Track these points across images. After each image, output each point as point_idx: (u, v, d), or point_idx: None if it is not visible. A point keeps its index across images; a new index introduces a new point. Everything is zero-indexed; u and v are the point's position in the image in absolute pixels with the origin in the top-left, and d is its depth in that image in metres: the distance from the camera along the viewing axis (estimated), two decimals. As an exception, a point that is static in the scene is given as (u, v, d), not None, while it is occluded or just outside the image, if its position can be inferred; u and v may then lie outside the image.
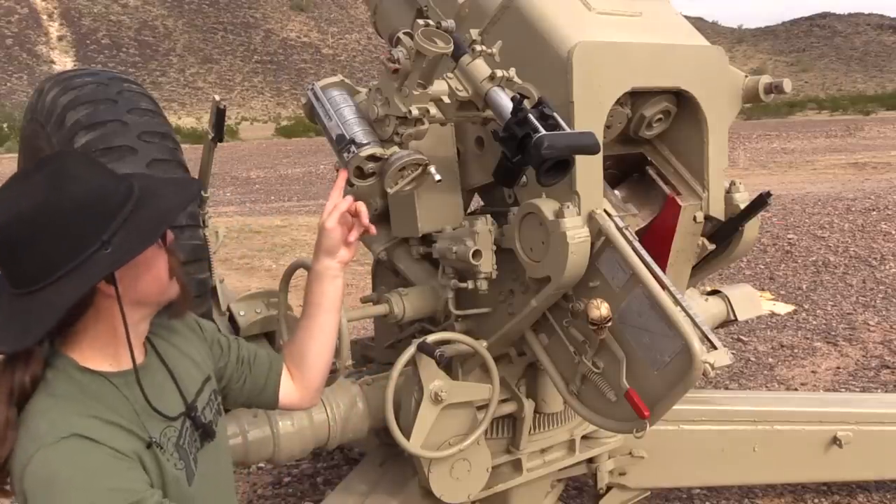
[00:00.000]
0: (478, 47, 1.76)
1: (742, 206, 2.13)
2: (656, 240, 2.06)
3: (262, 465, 3.41)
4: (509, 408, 2.29)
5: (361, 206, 1.57)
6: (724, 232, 2.15)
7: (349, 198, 1.57)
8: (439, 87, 1.76)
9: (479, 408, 2.14)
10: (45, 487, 1.18)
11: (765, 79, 2.21)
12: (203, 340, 1.60)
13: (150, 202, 1.32)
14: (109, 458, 1.23)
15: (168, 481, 1.36)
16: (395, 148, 1.73)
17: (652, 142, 2.19)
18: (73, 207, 1.23)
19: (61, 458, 1.20)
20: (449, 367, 2.16)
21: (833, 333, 5.39)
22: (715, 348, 1.69)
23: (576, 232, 1.76)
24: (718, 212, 2.13)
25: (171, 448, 1.39)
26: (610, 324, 1.72)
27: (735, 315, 2.81)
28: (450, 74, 1.78)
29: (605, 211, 1.84)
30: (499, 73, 1.75)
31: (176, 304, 1.43)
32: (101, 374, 1.34)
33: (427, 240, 2.21)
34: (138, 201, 1.31)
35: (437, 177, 1.74)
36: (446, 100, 1.78)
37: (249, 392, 1.67)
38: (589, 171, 1.82)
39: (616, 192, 2.14)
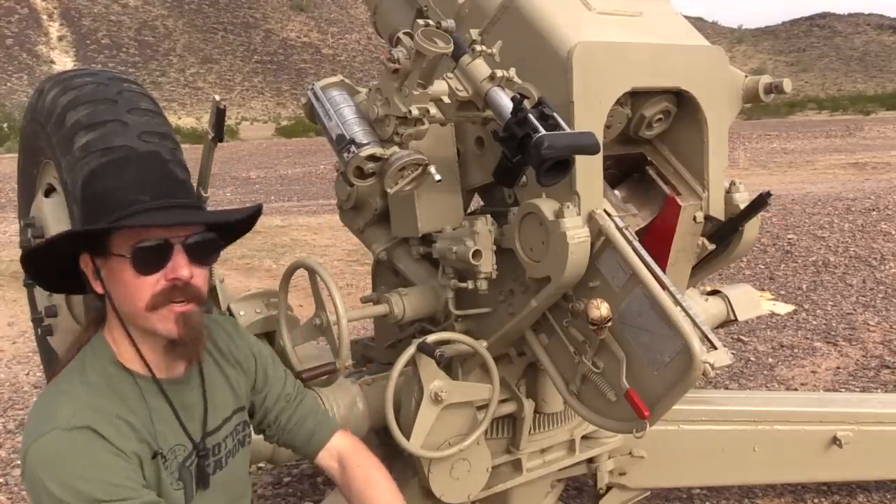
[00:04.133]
0: (478, 47, 1.76)
1: (742, 206, 2.13)
2: (656, 240, 2.06)
3: (262, 465, 3.41)
4: (509, 408, 2.29)
5: None
6: (724, 232, 2.15)
7: None
8: (439, 87, 1.76)
9: (479, 408, 2.13)
10: (47, 465, 1.30)
11: (765, 79, 2.21)
12: (250, 373, 1.67)
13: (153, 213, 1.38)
14: (111, 455, 1.33)
15: (163, 493, 1.40)
16: (395, 148, 1.73)
17: (652, 142, 2.19)
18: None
19: (70, 444, 1.31)
20: (449, 367, 2.16)
21: (833, 333, 5.39)
22: (715, 348, 1.69)
23: (576, 232, 1.76)
24: (718, 212, 2.13)
25: (175, 466, 1.44)
26: (610, 324, 1.71)
27: (735, 315, 2.81)
28: (450, 74, 1.78)
29: (605, 211, 1.84)
30: (499, 73, 1.74)
31: (179, 345, 1.44)
32: (131, 374, 1.43)
33: (427, 240, 2.21)
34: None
35: (437, 177, 1.74)
36: (446, 100, 1.78)
37: (287, 445, 1.77)
38: (589, 171, 1.82)
39: (616, 192, 2.14)
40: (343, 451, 1.72)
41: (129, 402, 1.40)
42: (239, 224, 1.58)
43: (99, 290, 1.43)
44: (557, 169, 1.61)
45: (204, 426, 1.51)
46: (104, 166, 1.48)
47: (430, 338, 1.98)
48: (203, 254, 1.43)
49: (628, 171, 2.23)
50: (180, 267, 1.37)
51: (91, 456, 1.31)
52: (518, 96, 1.65)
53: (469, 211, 2.31)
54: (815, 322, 5.67)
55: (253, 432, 1.73)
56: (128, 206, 1.37)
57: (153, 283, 1.37)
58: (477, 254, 1.93)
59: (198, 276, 1.41)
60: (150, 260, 1.36)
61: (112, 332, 1.45)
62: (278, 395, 1.71)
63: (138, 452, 1.37)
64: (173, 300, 1.38)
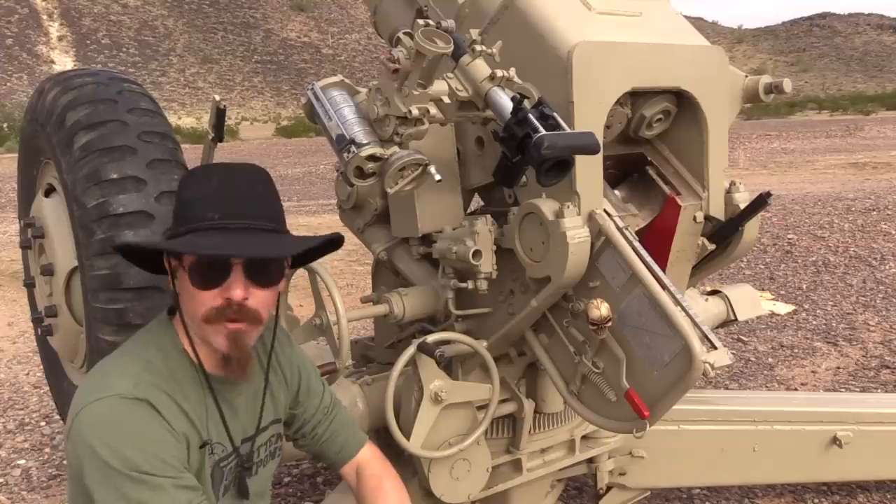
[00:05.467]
0: (478, 47, 1.76)
1: (742, 206, 2.13)
2: (656, 240, 2.06)
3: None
4: (509, 408, 2.29)
5: None
6: (724, 232, 2.15)
7: None
8: (439, 87, 1.76)
9: (479, 408, 2.14)
10: (99, 428, 1.30)
11: (765, 79, 2.21)
12: (292, 385, 1.69)
13: (228, 235, 1.38)
14: (165, 431, 1.34)
15: (202, 484, 1.42)
16: (395, 148, 1.73)
17: (652, 142, 2.19)
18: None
19: (127, 412, 1.32)
20: (449, 367, 2.16)
21: (833, 333, 5.39)
22: (715, 348, 1.69)
23: (576, 232, 1.76)
24: (718, 212, 2.13)
25: (213, 462, 1.45)
26: (610, 324, 1.71)
27: (735, 315, 2.81)
28: (450, 74, 1.78)
29: (605, 211, 1.84)
30: (499, 73, 1.74)
31: (226, 361, 1.44)
32: (193, 364, 1.45)
33: (427, 240, 2.21)
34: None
35: (437, 177, 1.74)
36: (446, 100, 1.77)
37: (317, 455, 1.81)
38: (589, 171, 1.82)
39: (616, 192, 2.14)
40: (363, 462, 1.76)
41: (185, 389, 1.42)
42: (308, 251, 1.57)
43: (173, 288, 1.46)
44: (557, 169, 1.61)
45: (246, 431, 1.54)
46: (194, 173, 1.48)
47: (430, 338, 1.98)
48: (264, 275, 1.40)
49: (628, 171, 2.23)
50: (235, 287, 1.37)
51: (146, 427, 1.32)
52: (518, 96, 1.65)
53: (469, 211, 2.31)
54: (815, 322, 5.67)
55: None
56: (197, 220, 1.37)
57: (211, 298, 1.37)
58: (477, 254, 1.93)
59: (255, 298, 1.39)
60: (207, 276, 1.37)
61: (179, 325, 1.47)
62: (317, 406, 1.74)
63: (188, 436, 1.39)
64: (228, 318, 1.38)
